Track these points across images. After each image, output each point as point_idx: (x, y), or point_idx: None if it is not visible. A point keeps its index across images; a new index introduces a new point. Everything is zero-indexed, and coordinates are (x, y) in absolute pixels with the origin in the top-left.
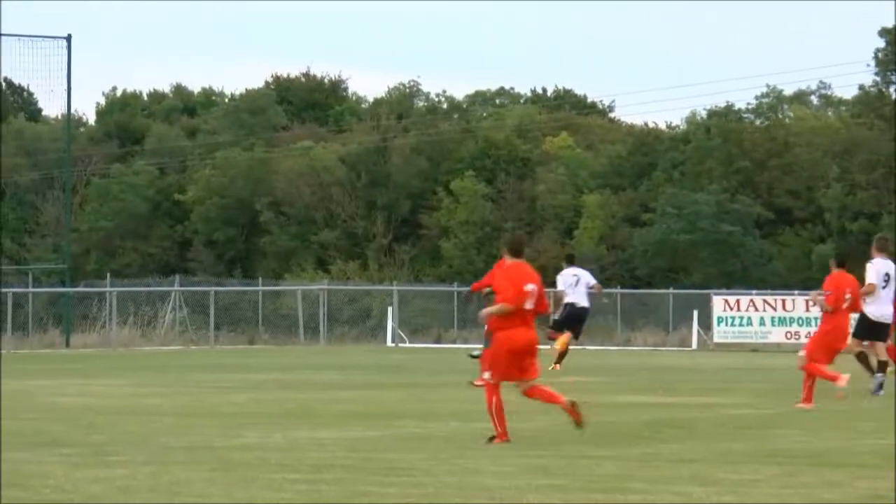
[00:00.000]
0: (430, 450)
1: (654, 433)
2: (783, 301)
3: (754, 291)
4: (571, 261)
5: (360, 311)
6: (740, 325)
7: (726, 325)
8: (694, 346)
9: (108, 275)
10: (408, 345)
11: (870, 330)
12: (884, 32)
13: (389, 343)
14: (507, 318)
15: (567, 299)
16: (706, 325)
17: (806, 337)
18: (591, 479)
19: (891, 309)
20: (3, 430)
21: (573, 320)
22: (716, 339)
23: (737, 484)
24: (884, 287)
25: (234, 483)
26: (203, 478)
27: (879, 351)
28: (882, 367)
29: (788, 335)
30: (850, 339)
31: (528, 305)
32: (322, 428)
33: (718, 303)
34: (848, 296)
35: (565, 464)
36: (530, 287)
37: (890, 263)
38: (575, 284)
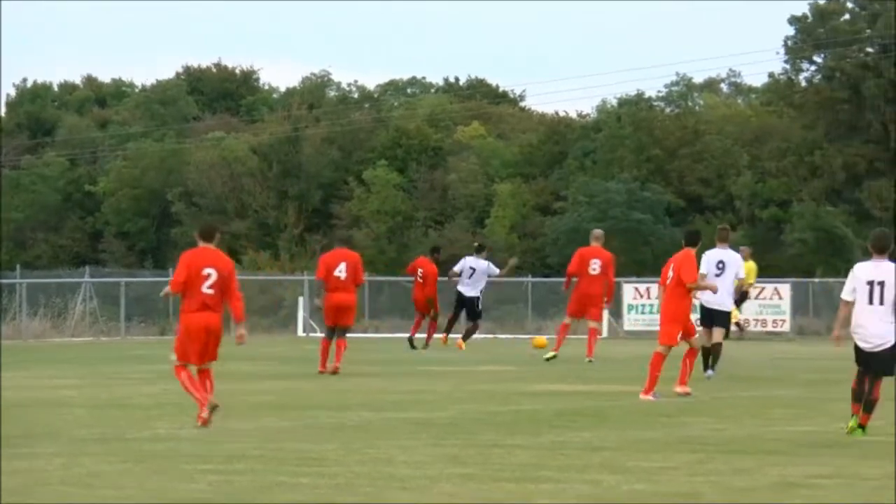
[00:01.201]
0: (342, 440)
1: (566, 422)
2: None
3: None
4: (480, 250)
5: (271, 302)
6: (651, 313)
7: (637, 312)
8: (605, 334)
9: (19, 266)
10: (319, 335)
11: (706, 317)
12: (793, 20)
13: (301, 333)
14: (186, 301)
15: (458, 286)
16: (617, 313)
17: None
18: (503, 468)
19: (725, 297)
20: None
21: (457, 306)
22: (626, 327)
23: (648, 471)
24: (717, 275)
25: (147, 474)
26: (116, 469)
27: (715, 336)
28: (705, 353)
29: (698, 322)
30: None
31: (206, 289)
32: (234, 419)
33: (629, 291)
34: (670, 273)
35: (477, 452)
36: (208, 271)
37: (726, 252)
38: (470, 276)
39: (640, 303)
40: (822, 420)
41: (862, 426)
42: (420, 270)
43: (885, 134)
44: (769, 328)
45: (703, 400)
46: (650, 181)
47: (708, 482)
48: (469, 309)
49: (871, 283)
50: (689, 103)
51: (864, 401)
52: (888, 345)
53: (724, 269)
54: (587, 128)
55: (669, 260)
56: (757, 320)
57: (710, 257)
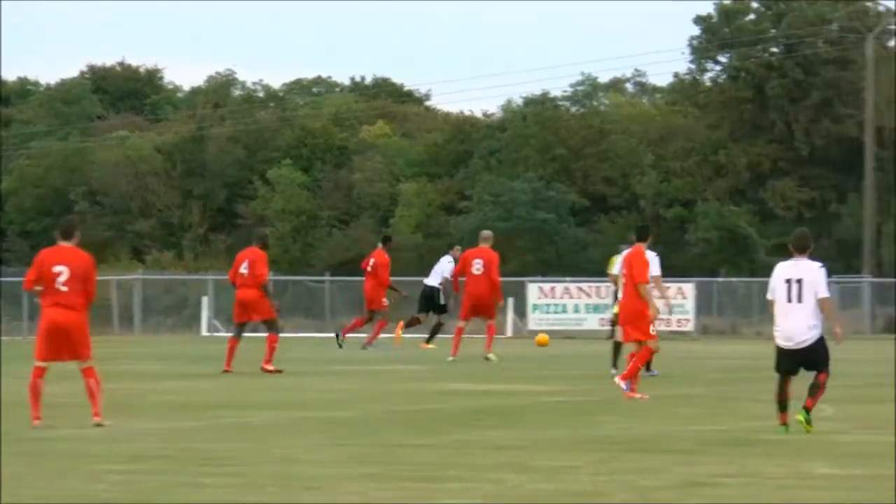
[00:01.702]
0: (247, 439)
1: (471, 420)
2: (598, 288)
3: (569, 279)
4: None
5: (175, 301)
6: (555, 312)
7: (542, 312)
8: (509, 333)
9: None
10: (223, 334)
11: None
12: (699, 20)
13: (205, 333)
14: (42, 299)
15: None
16: (522, 311)
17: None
18: (408, 468)
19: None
20: None
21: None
22: (531, 327)
23: (552, 470)
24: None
25: (51, 474)
26: (19, 471)
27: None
28: (617, 347)
29: (603, 322)
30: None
31: (60, 287)
32: (139, 418)
33: (534, 290)
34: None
35: (382, 452)
36: (59, 269)
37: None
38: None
39: (545, 302)
40: (726, 419)
41: (807, 409)
42: (372, 261)
43: (789, 134)
44: (673, 327)
45: (608, 399)
46: (555, 180)
47: (613, 481)
48: (431, 302)
49: (789, 282)
50: (595, 103)
51: (810, 384)
52: (812, 340)
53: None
54: (492, 127)
55: (624, 257)
56: (661, 319)
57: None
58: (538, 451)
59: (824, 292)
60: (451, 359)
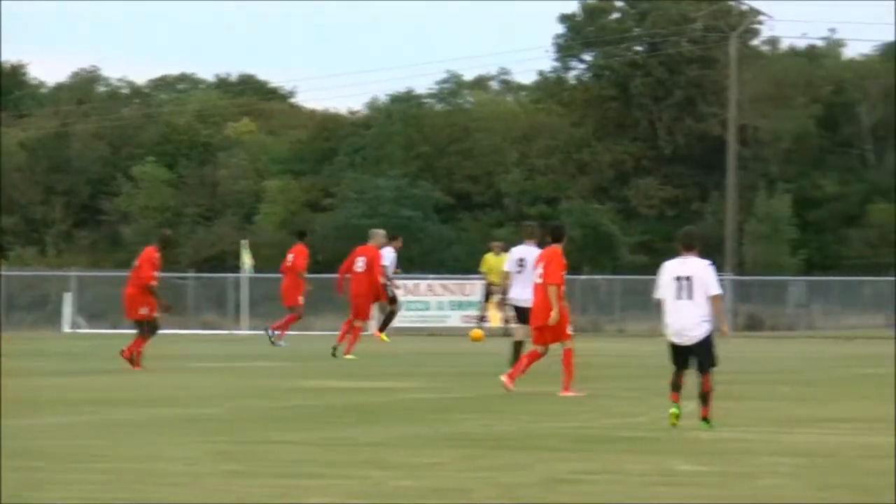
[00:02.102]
0: (111, 436)
1: (335, 417)
2: (462, 286)
3: (433, 276)
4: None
5: (38, 297)
6: (419, 309)
7: (405, 309)
8: (373, 330)
9: None
10: (86, 330)
11: (522, 315)
12: (563, 18)
13: (67, 329)
14: None
15: None
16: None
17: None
18: (272, 464)
19: (527, 293)
20: None
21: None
22: (394, 324)
23: (416, 467)
24: (518, 272)
25: None
26: None
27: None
28: (516, 347)
29: (466, 319)
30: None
31: None
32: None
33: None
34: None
35: (247, 449)
36: None
37: (528, 249)
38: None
39: (409, 298)
40: (589, 416)
41: (706, 419)
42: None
43: (653, 132)
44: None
45: (471, 396)
46: (420, 178)
47: (476, 478)
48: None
49: (678, 279)
50: (459, 101)
51: (699, 395)
52: (702, 336)
53: (524, 265)
54: (357, 124)
55: (539, 257)
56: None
57: (513, 255)
58: (401, 448)
59: (715, 289)
60: (350, 357)
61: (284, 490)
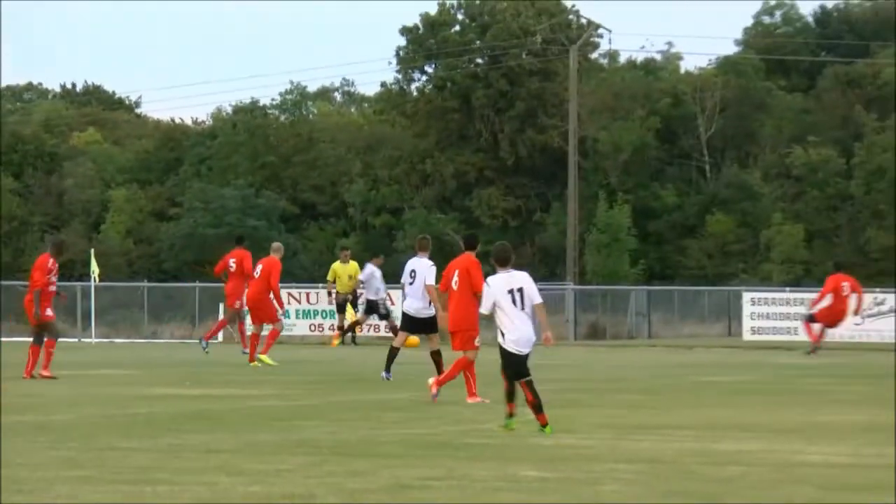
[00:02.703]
0: None
1: (183, 424)
2: (308, 294)
3: (280, 285)
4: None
5: None
6: None
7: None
8: (220, 338)
9: None
10: None
11: (409, 324)
12: (405, 31)
13: None
14: None
15: None
16: (234, 318)
17: (329, 329)
18: (120, 471)
19: (418, 303)
20: None
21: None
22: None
23: (263, 474)
24: (410, 283)
25: None
26: None
27: (433, 342)
28: (393, 352)
29: (312, 327)
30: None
31: None
32: None
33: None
34: (455, 279)
35: (94, 455)
36: None
37: (419, 261)
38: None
39: None
40: (433, 423)
41: (544, 426)
42: (232, 261)
43: (494, 143)
44: (381, 333)
45: (317, 404)
46: (265, 188)
47: (322, 484)
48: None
49: (511, 292)
50: (304, 112)
51: (532, 405)
52: (532, 347)
53: (415, 276)
54: (203, 134)
55: (450, 265)
56: (370, 325)
57: (406, 266)
58: (249, 455)
59: (539, 298)
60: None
61: (132, 496)
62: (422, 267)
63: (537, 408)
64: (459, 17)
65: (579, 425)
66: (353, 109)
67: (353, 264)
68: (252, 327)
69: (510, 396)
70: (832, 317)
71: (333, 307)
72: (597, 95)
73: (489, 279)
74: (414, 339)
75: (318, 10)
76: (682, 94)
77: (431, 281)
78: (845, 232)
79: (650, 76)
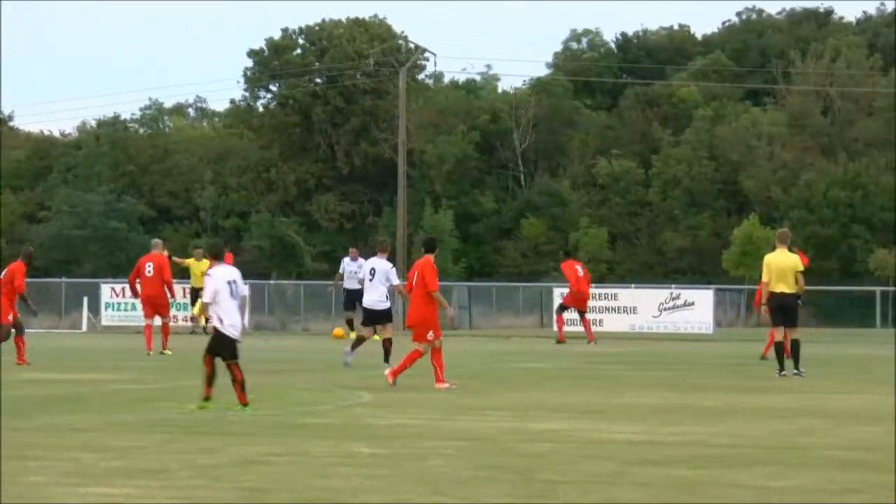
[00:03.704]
0: None
1: (54, 406)
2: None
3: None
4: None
5: None
6: (125, 310)
7: (113, 310)
8: (84, 328)
9: None
10: None
11: (368, 317)
12: (252, 53)
13: None
14: None
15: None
16: (96, 309)
17: (183, 320)
18: None
19: (374, 296)
20: None
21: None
22: (104, 322)
23: (123, 450)
24: (370, 280)
25: None
26: None
27: (387, 331)
28: (359, 340)
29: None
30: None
31: None
32: None
33: (106, 290)
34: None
35: None
36: None
37: (378, 260)
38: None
39: (116, 301)
40: (277, 404)
41: (245, 405)
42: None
43: (332, 154)
44: None
45: (172, 387)
46: (125, 194)
47: (176, 459)
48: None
49: (229, 283)
50: (161, 125)
51: (240, 385)
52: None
53: (374, 274)
54: (69, 145)
55: (413, 266)
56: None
57: (366, 265)
58: (111, 433)
59: (245, 291)
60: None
61: (7, 470)
62: (382, 266)
63: (243, 387)
64: (301, 41)
65: (409, 406)
66: (204, 123)
67: (206, 262)
68: (147, 320)
69: (210, 381)
70: (578, 298)
71: (188, 300)
72: (423, 112)
73: (210, 271)
74: (339, 330)
75: (175, 33)
76: (499, 112)
77: (396, 280)
78: (644, 234)
79: (471, 95)
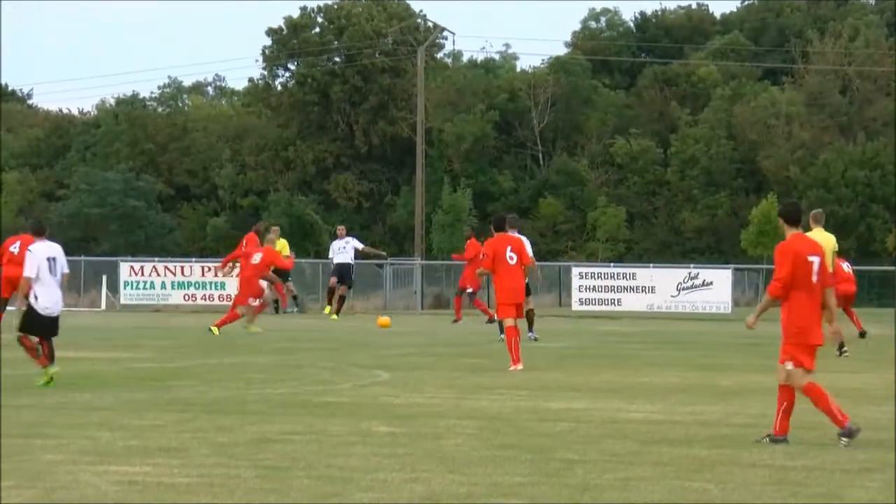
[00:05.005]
0: None
1: (70, 384)
2: (182, 267)
3: (157, 259)
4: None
5: None
6: (144, 288)
7: (132, 288)
8: (103, 307)
9: None
10: None
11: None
12: (270, 32)
13: None
14: None
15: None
16: (115, 288)
17: (202, 299)
18: (12, 426)
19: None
20: None
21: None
22: (123, 301)
23: (140, 429)
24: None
25: None
26: None
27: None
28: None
29: (186, 297)
30: None
31: None
32: None
33: (125, 269)
34: (513, 255)
35: None
36: None
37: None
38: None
39: (136, 279)
40: (294, 384)
41: (50, 380)
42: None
43: (350, 133)
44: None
45: (188, 366)
46: (144, 172)
47: (194, 438)
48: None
49: (48, 259)
50: (179, 104)
51: (48, 358)
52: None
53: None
54: (88, 124)
55: (491, 243)
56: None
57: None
58: (127, 412)
59: (66, 268)
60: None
61: (22, 448)
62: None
63: (52, 358)
64: (319, 20)
65: (426, 386)
66: (223, 102)
67: (283, 241)
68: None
69: (36, 352)
70: (474, 279)
71: (205, 279)
72: (442, 91)
73: (31, 247)
74: (385, 319)
75: (194, 12)
76: (517, 91)
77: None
78: (662, 214)
79: (489, 74)
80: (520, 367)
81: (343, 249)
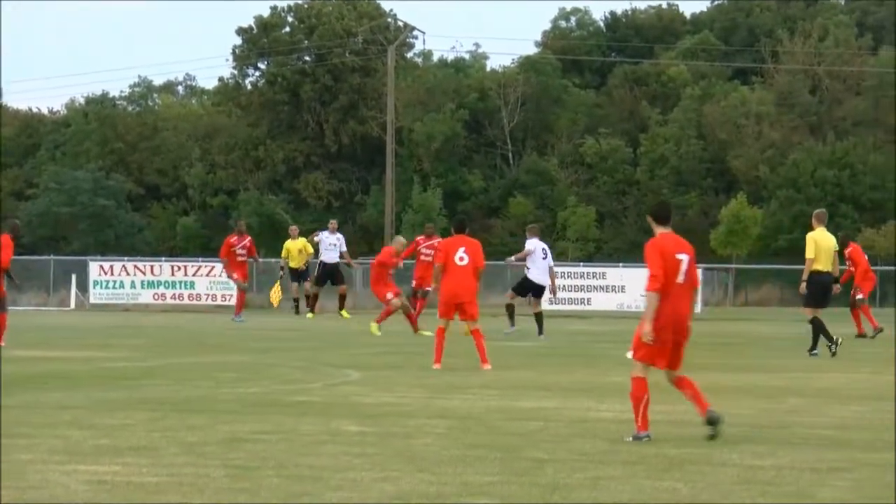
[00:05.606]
0: None
1: (40, 384)
2: (152, 266)
3: (127, 258)
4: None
5: None
6: (114, 287)
7: (101, 287)
8: (72, 306)
9: None
10: None
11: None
12: (241, 31)
13: None
14: None
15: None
16: (84, 287)
17: (172, 298)
18: None
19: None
20: None
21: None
22: (92, 301)
23: (110, 428)
24: (543, 258)
25: None
26: None
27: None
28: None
29: (156, 296)
30: None
31: None
32: None
33: (95, 268)
34: (465, 257)
35: None
36: None
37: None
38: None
39: (105, 279)
40: (265, 383)
41: None
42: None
43: (320, 132)
44: (219, 302)
45: (160, 365)
46: (114, 171)
47: (164, 437)
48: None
49: None
50: (150, 103)
51: None
52: None
53: (546, 253)
54: (58, 123)
55: (444, 243)
56: (208, 295)
57: (538, 245)
58: (99, 411)
59: None
60: None
61: None
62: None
63: None
64: (289, 19)
65: (396, 385)
66: (193, 101)
67: (301, 239)
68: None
69: None
70: (422, 280)
71: (174, 278)
72: (412, 90)
73: None
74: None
75: (164, 11)
76: (487, 90)
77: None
78: (632, 213)
79: (460, 73)
80: (437, 367)
81: (332, 247)
